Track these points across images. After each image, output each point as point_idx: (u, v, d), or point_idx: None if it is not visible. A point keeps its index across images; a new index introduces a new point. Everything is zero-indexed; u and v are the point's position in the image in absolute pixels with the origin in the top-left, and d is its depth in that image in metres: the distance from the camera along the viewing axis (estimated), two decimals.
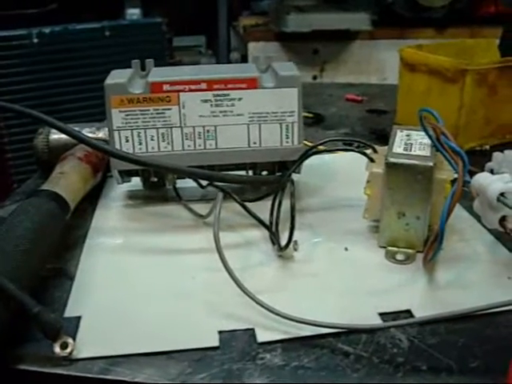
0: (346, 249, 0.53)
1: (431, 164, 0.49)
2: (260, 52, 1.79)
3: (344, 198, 0.61)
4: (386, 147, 0.55)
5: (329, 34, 1.77)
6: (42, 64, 1.60)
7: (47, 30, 1.60)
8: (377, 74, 1.83)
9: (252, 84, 0.56)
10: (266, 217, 0.54)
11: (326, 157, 0.65)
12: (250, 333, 0.42)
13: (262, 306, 0.42)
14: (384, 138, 0.77)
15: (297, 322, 0.42)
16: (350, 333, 0.42)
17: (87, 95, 1.64)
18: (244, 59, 1.91)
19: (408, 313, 0.44)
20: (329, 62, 1.83)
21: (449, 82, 0.74)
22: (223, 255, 0.44)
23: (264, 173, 0.61)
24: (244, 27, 1.89)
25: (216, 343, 0.41)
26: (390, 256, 0.51)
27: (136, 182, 0.62)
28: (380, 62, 1.86)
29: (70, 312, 0.45)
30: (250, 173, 0.61)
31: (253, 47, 1.80)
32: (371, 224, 0.55)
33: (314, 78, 1.80)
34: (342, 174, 0.66)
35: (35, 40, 1.59)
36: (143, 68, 0.60)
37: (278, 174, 0.60)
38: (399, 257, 0.51)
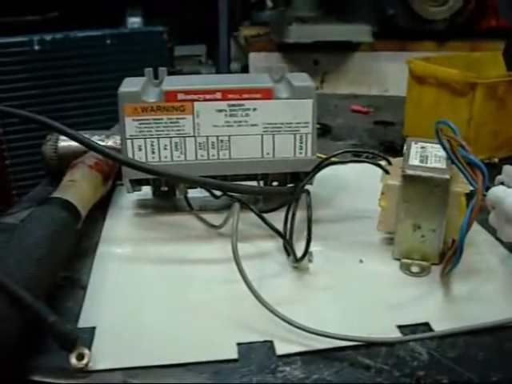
0: (361, 261, 0.52)
1: (448, 177, 0.49)
2: (261, 62, 1.79)
3: (356, 210, 0.60)
4: (400, 159, 0.55)
5: (330, 46, 1.77)
6: (43, 71, 1.60)
7: (48, 38, 1.60)
8: (378, 86, 1.84)
9: (267, 94, 0.55)
10: (278, 228, 0.54)
11: (337, 168, 0.65)
12: (269, 345, 0.42)
13: (281, 319, 0.42)
14: (393, 150, 0.77)
15: (316, 334, 0.41)
16: (369, 346, 0.41)
17: (88, 103, 1.64)
18: (244, 69, 1.91)
19: (426, 325, 0.44)
20: (329, 73, 1.83)
21: (458, 95, 0.74)
22: (242, 267, 0.44)
23: (275, 183, 0.61)
24: (245, 37, 1.89)
25: (235, 355, 0.40)
26: (405, 268, 0.51)
27: (145, 191, 0.61)
28: (381, 74, 1.86)
29: (83, 322, 0.44)
30: (261, 183, 0.61)
31: (254, 57, 1.80)
32: (385, 236, 0.55)
33: (316, 88, 1.80)
34: (353, 185, 0.66)
35: (36, 47, 1.59)
36: (156, 76, 0.59)
37: (289, 184, 0.60)
38: (414, 269, 0.51)
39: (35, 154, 1.59)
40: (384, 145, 0.81)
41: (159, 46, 1.70)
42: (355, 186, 0.66)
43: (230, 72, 2.03)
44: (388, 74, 1.84)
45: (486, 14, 1.82)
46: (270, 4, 1.96)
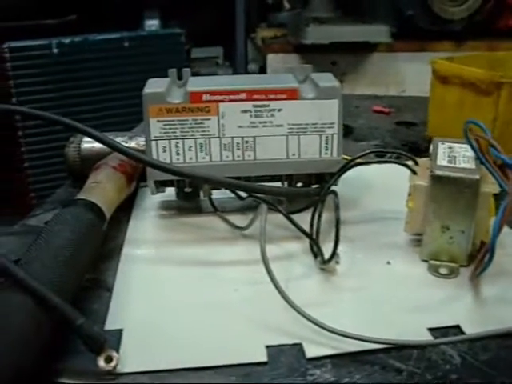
0: (389, 262, 0.52)
1: (478, 177, 0.48)
2: (279, 64, 1.79)
3: (382, 211, 0.60)
4: (426, 159, 0.55)
5: (347, 46, 1.76)
6: (62, 74, 1.61)
7: (67, 41, 1.61)
8: (395, 86, 1.83)
9: (292, 95, 0.55)
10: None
11: (361, 168, 0.64)
12: (298, 348, 0.41)
13: (311, 321, 0.42)
14: (417, 151, 0.77)
15: (347, 337, 0.41)
16: (400, 348, 0.41)
17: (106, 105, 1.65)
18: (262, 71, 1.91)
19: (457, 328, 0.43)
20: (347, 73, 1.82)
21: (483, 95, 0.73)
22: (270, 268, 0.43)
23: (299, 184, 0.60)
24: (263, 39, 1.89)
25: (264, 358, 0.40)
26: (433, 270, 0.50)
27: (169, 192, 0.61)
28: (399, 75, 1.85)
29: (110, 325, 0.44)
30: (286, 184, 0.60)
31: (272, 59, 1.80)
32: (412, 237, 0.54)
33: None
34: (377, 185, 0.66)
35: (55, 50, 1.60)
36: (180, 77, 0.59)
37: (314, 185, 0.59)
38: (443, 271, 0.50)
39: (53, 157, 1.61)
40: (407, 145, 0.80)
41: (177, 48, 1.71)
42: (380, 186, 0.65)
43: (247, 73, 2.03)
44: (406, 74, 1.83)
45: (505, 14, 1.81)
46: (287, 5, 1.95)
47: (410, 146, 0.80)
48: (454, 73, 0.78)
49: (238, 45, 2.05)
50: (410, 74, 1.81)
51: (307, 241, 0.53)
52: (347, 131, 0.86)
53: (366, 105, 1.01)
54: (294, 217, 0.54)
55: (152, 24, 1.98)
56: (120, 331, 0.43)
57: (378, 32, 1.75)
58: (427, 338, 0.42)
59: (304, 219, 0.54)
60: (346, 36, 1.73)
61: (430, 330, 0.43)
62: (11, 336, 0.36)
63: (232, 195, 0.59)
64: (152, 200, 0.63)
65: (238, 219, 0.58)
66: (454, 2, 1.76)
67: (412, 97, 1.10)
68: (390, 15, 1.82)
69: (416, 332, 0.42)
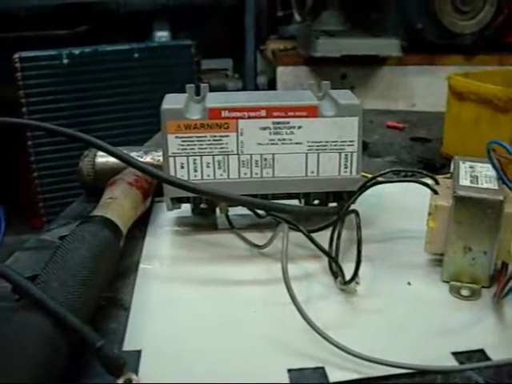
0: (409, 283, 0.51)
1: (501, 198, 0.47)
2: (289, 76, 1.78)
3: (401, 230, 0.59)
4: (446, 178, 0.54)
5: (357, 59, 1.76)
6: (72, 84, 1.62)
7: (77, 51, 1.62)
8: (405, 100, 1.82)
9: (312, 112, 0.54)
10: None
11: (378, 186, 0.64)
12: (321, 371, 0.40)
13: (334, 345, 0.41)
14: (432, 168, 0.76)
15: (370, 361, 0.40)
16: (424, 373, 0.40)
17: (116, 116, 1.65)
18: (271, 83, 1.91)
19: (481, 352, 0.42)
20: (357, 87, 1.82)
21: (500, 112, 0.73)
22: (293, 291, 0.43)
23: (316, 202, 0.60)
24: (273, 51, 1.89)
25: (286, 381, 0.39)
26: (455, 291, 0.50)
27: (184, 208, 0.60)
28: (408, 88, 1.84)
29: (129, 345, 0.43)
30: (303, 201, 0.59)
31: (281, 71, 1.80)
32: (432, 257, 0.54)
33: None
34: (394, 203, 0.65)
35: (65, 61, 1.61)
36: (197, 93, 0.59)
37: (331, 203, 0.59)
38: (464, 292, 0.49)
39: (62, 167, 1.61)
40: (422, 162, 0.80)
41: (187, 60, 1.71)
42: (397, 205, 0.65)
43: (256, 85, 2.03)
44: (415, 87, 1.83)
45: None
46: (297, 18, 1.95)
47: (425, 162, 0.79)
48: (470, 89, 0.77)
49: (247, 57, 2.05)
50: (420, 88, 1.81)
51: (326, 259, 0.52)
52: (362, 147, 0.85)
53: (379, 120, 1.00)
54: (312, 235, 0.54)
55: (162, 35, 1.99)
56: (139, 352, 0.42)
57: (388, 45, 1.74)
58: (451, 362, 0.41)
59: (321, 237, 0.53)
60: (357, 49, 1.72)
61: (454, 354, 0.42)
62: (28, 360, 0.36)
63: (248, 212, 0.58)
64: (167, 216, 0.63)
65: (255, 237, 0.57)
66: (464, 16, 1.76)
67: (425, 112, 1.10)
68: (399, 28, 1.82)
69: (440, 356, 0.42)
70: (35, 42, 1.71)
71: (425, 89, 1.80)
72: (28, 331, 0.37)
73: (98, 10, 1.95)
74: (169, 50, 1.73)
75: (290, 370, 0.40)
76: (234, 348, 0.43)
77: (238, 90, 1.95)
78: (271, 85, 1.92)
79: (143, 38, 1.93)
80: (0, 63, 1.57)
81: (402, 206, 0.64)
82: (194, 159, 0.55)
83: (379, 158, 0.82)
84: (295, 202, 0.59)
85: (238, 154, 0.55)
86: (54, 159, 1.64)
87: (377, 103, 1.68)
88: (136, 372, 0.40)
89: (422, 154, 0.83)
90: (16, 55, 1.55)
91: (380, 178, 0.55)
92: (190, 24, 2.05)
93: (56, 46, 1.63)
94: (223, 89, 1.94)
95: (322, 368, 0.40)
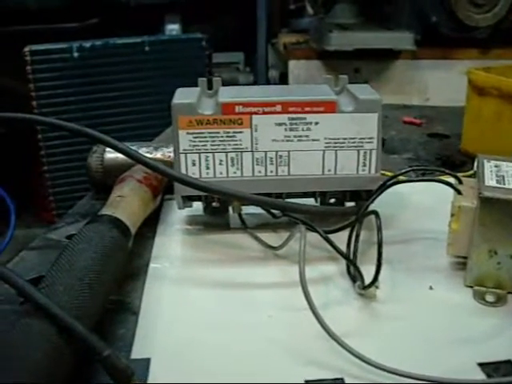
0: (431, 287, 0.49)
1: None
2: (301, 70, 1.76)
3: (421, 230, 0.57)
4: (469, 177, 0.52)
5: (370, 53, 1.73)
6: (82, 78, 1.61)
7: (88, 44, 1.60)
8: (419, 94, 1.80)
9: (330, 107, 0.52)
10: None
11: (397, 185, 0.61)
12: (339, 383, 0.38)
13: (354, 355, 0.39)
14: (451, 165, 0.73)
15: (392, 373, 0.38)
16: None
17: (126, 109, 1.64)
18: (283, 77, 1.88)
19: (509, 363, 0.40)
20: (370, 81, 1.79)
21: None
22: (309, 295, 0.40)
23: (332, 200, 0.57)
24: (284, 45, 1.86)
25: None
26: (479, 297, 0.47)
27: (195, 207, 0.58)
28: (422, 82, 1.82)
29: (137, 353, 0.41)
30: (318, 200, 0.57)
31: (293, 65, 1.77)
32: (454, 260, 0.51)
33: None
34: (414, 203, 0.62)
35: (76, 54, 1.59)
36: (210, 86, 0.56)
37: (348, 202, 0.57)
38: (489, 298, 0.47)
39: (72, 161, 1.59)
40: (441, 159, 0.77)
41: (198, 53, 1.69)
42: (417, 204, 0.62)
43: (268, 79, 2.01)
44: (429, 82, 1.80)
45: None
46: (309, 11, 1.92)
47: (444, 159, 0.77)
48: (491, 84, 0.75)
49: (259, 50, 2.03)
50: (434, 82, 1.78)
51: (343, 262, 0.50)
52: None
53: (395, 115, 0.98)
54: (329, 236, 0.52)
55: (173, 28, 1.97)
56: (148, 361, 0.40)
57: (402, 39, 1.71)
58: (478, 374, 0.39)
59: (339, 238, 0.51)
60: (370, 43, 1.69)
61: (480, 365, 0.40)
62: (31, 369, 0.34)
63: (262, 210, 0.56)
64: (178, 214, 0.61)
65: (270, 237, 0.55)
66: (480, 9, 1.73)
67: (441, 107, 1.07)
68: (413, 21, 1.79)
69: (464, 366, 0.39)
70: (46, 35, 1.69)
71: (439, 83, 1.78)
72: (31, 339, 0.36)
73: (108, 3, 1.93)
74: (180, 43, 1.71)
75: (307, 381, 0.38)
76: (250, 357, 0.41)
77: (250, 84, 1.93)
78: (283, 79, 1.89)
79: (154, 31, 1.90)
80: (10, 56, 1.56)
81: (422, 205, 0.61)
82: (206, 156, 0.53)
83: (396, 154, 0.79)
84: (310, 200, 0.57)
85: (251, 151, 0.53)
86: (64, 153, 1.62)
87: (390, 98, 1.65)
88: (145, 382, 0.38)
89: (440, 151, 0.80)
90: (26, 48, 1.54)
91: (402, 177, 0.53)
92: (201, 17, 2.02)
93: (66, 39, 1.61)
94: (234, 83, 1.92)
95: (341, 379, 0.38)
